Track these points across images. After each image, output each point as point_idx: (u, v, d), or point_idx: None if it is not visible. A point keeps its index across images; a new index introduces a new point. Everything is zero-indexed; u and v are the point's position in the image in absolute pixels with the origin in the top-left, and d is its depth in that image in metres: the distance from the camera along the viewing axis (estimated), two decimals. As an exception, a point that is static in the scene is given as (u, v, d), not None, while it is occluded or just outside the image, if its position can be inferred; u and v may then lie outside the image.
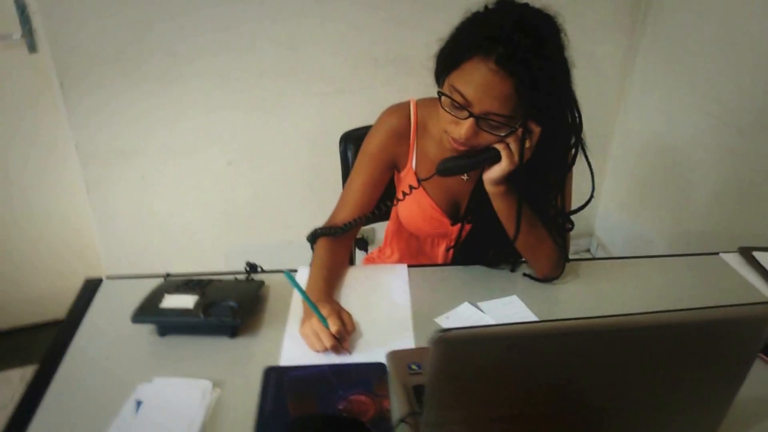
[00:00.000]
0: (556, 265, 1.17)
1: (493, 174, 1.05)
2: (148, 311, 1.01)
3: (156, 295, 1.05)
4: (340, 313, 1.03)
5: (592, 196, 1.10)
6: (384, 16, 1.98)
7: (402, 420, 0.83)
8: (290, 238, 2.16)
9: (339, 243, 1.20)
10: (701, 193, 2.12)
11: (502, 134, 1.00)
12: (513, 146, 1.00)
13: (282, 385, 0.93)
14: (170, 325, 1.02)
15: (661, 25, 2.23)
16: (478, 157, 1.04)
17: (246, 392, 0.92)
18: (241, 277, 1.17)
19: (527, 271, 1.22)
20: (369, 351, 1.01)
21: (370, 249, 1.55)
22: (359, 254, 1.60)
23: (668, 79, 2.22)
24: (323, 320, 0.99)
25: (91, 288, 1.16)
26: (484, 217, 1.15)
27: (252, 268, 1.20)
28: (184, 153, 2.01)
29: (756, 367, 0.98)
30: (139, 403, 0.89)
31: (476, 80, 0.94)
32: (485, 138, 1.01)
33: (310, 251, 1.20)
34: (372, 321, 1.09)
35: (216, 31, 1.85)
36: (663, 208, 2.35)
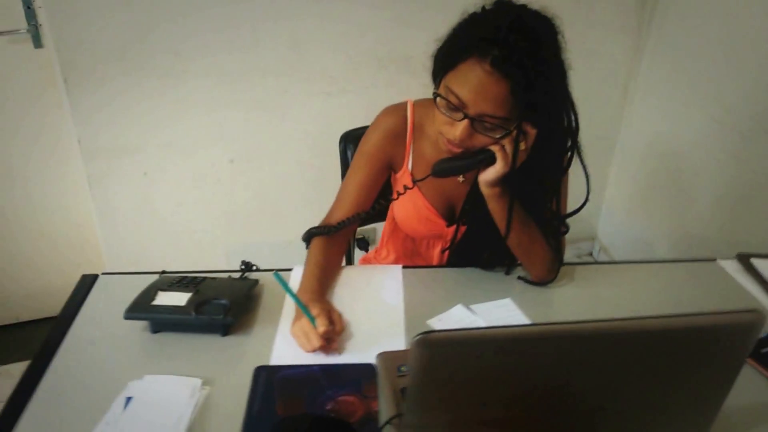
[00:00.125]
0: (550, 268, 1.16)
1: (488, 176, 1.04)
2: (141, 308, 1.01)
3: (149, 292, 1.05)
4: (330, 314, 1.03)
5: (587, 200, 1.10)
6: (387, 16, 1.98)
7: (388, 422, 0.83)
8: (291, 237, 2.15)
9: (333, 242, 1.20)
10: (704, 197, 2.11)
11: (497, 136, 0.99)
12: (508, 148, 1.00)
13: (271, 385, 0.94)
14: (162, 322, 1.02)
15: (667, 29, 2.22)
16: (473, 158, 1.04)
17: (236, 391, 0.93)
18: (236, 275, 1.18)
19: (522, 274, 1.21)
20: (360, 351, 1.01)
21: (371, 249, 1.55)
22: (359, 254, 1.60)
23: (673, 82, 2.21)
24: (312, 320, 0.99)
25: (87, 284, 1.17)
26: (480, 219, 1.15)
27: (247, 266, 1.20)
28: (186, 151, 2.01)
29: (747, 375, 0.99)
30: (128, 400, 0.90)
31: (471, 81, 0.94)
32: (480, 140, 1.01)
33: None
34: (364, 321, 1.09)
35: (218, 30, 1.86)
36: (666, 212, 2.34)
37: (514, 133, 0.99)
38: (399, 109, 1.19)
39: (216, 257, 2.22)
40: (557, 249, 1.16)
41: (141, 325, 1.04)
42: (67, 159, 1.99)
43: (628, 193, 2.58)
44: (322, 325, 0.97)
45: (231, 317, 1.01)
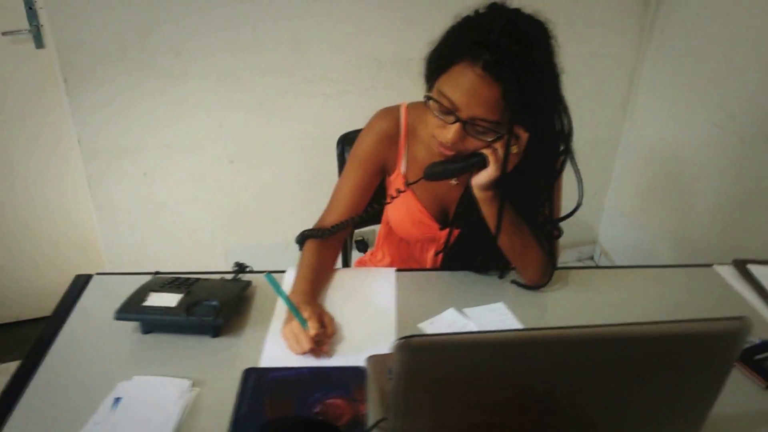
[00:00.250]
0: (543, 272, 1.16)
1: (480, 179, 1.04)
2: (132, 309, 1.02)
3: (141, 293, 1.05)
4: (321, 316, 1.03)
5: (579, 204, 1.09)
6: (388, 18, 1.98)
7: (374, 426, 0.83)
8: (290, 238, 2.14)
9: (326, 245, 1.20)
10: (706, 202, 2.10)
11: (489, 139, 0.99)
12: (500, 152, 1.00)
13: (260, 387, 0.94)
14: (153, 323, 1.02)
15: (669, 33, 2.21)
16: (466, 162, 1.04)
17: (225, 392, 0.93)
18: (229, 276, 1.18)
19: (516, 278, 1.21)
20: (350, 354, 1.01)
21: (370, 251, 1.55)
22: (356, 255, 1.60)
23: (675, 87, 2.20)
24: (303, 323, 0.99)
25: (80, 284, 1.18)
26: (473, 222, 1.14)
27: (240, 268, 1.20)
28: (186, 151, 2.02)
29: (740, 383, 0.99)
30: (117, 400, 0.90)
31: (463, 85, 0.94)
32: (472, 143, 1.01)
33: None
34: (355, 324, 1.08)
35: (218, 31, 1.86)
36: (667, 216, 2.33)
37: (506, 136, 0.99)
38: (392, 111, 1.19)
39: (215, 258, 2.22)
40: (550, 253, 1.15)
41: (132, 325, 1.05)
42: (67, 159, 2.00)
43: (630, 198, 2.57)
44: (313, 328, 0.97)
45: (221, 319, 1.01)
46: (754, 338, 1.08)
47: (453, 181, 1.19)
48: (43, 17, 1.75)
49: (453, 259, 1.26)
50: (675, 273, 1.31)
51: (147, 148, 1.98)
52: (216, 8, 1.83)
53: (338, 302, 1.14)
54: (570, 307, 1.17)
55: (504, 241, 1.13)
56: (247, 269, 1.21)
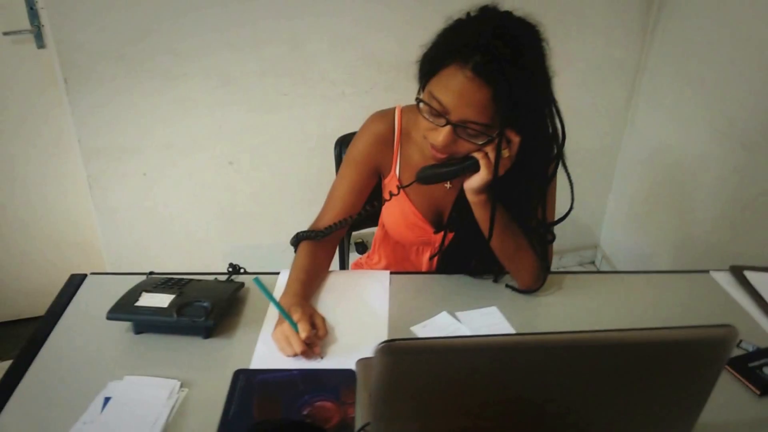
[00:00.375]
0: (536, 276, 1.16)
1: (472, 183, 1.04)
2: (123, 309, 1.02)
3: (133, 293, 1.06)
4: (313, 318, 1.03)
5: (571, 208, 1.09)
6: (389, 20, 1.98)
7: (359, 430, 0.83)
8: (289, 239, 2.17)
9: (321, 247, 1.20)
10: (707, 208, 2.09)
11: (481, 143, 0.99)
12: (491, 155, 0.99)
13: (249, 388, 0.94)
14: (144, 323, 1.03)
15: (670, 39, 2.20)
16: (458, 165, 1.04)
17: (214, 393, 0.93)
18: (223, 278, 1.18)
19: (510, 282, 1.21)
20: (341, 357, 1.01)
21: (367, 254, 1.55)
22: (355, 257, 1.60)
23: (676, 92, 2.19)
24: (294, 325, 0.99)
25: (75, 283, 1.18)
26: (467, 226, 1.14)
27: (234, 269, 1.20)
28: (185, 151, 2.02)
29: (734, 390, 0.98)
30: (107, 400, 0.90)
31: (453, 87, 0.93)
32: (464, 146, 1.00)
33: None
34: (347, 327, 1.08)
35: (219, 32, 1.87)
36: (668, 221, 2.32)
37: (497, 140, 0.98)
38: (387, 114, 1.19)
39: (214, 258, 2.22)
40: (543, 257, 1.15)
41: (124, 325, 1.05)
42: (67, 159, 2.00)
43: (631, 202, 2.56)
44: (303, 331, 0.97)
45: (212, 320, 1.01)
46: (748, 345, 1.08)
47: (447, 185, 1.18)
48: (44, 17, 1.76)
49: (448, 263, 1.26)
50: (671, 279, 1.30)
51: (147, 148, 1.98)
52: (216, 9, 1.84)
53: (331, 304, 1.14)
54: (564, 311, 1.16)
55: (497, 245, 1.12)
56: (241, 270, 1.21)
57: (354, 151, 1.20)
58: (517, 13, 0.97)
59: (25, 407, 0.90)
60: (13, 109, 1.91)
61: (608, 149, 2.55)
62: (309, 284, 1.13)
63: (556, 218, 1.16)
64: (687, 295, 1.24)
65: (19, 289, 2.17)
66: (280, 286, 1.16)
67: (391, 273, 1.24)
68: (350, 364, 0.98)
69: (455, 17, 0.98)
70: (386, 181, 1.22)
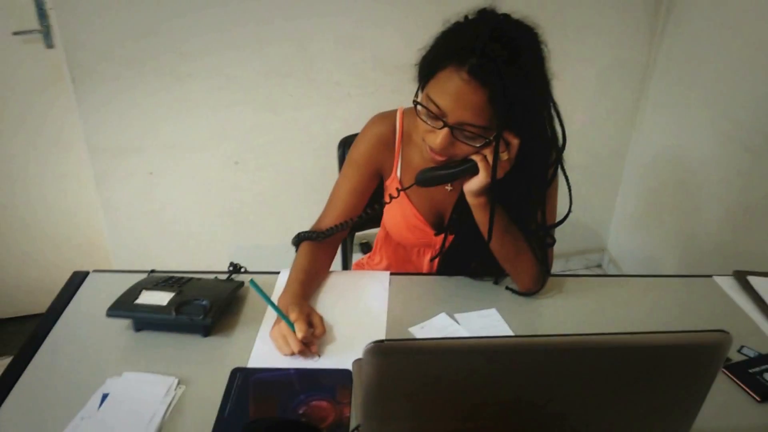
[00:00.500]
0: (536, 279, 1.15)
1: (472, 186, 1.04)
2: (123, 306, 1.03)
3: (134, 291, 1.06)
4: (311, 317, 1.03)
5: (569, 212, 1.09)
6: (394, 22, 1.99)
7: (354, 429, 0.83)
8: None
9: (321, 248, 1.20)
10: (713, 212, 2.07)
11: (478, 145, 0.99)
12: (490, 158, 0.99)
13: (246, 387, 0.94)
14: (143, 320, 1.03)
15: (678, 43, 2.19)
16: (457, 168, 1.04)
17: (212, 391, 0.93)
18: (224, 277, 1.19)
19: (510, 285, 1.20)
20: (339, 357, 1.01)
21: (368, 255, 1.55)
22: (358, 258, 1.60)
23: (684, 96, 2.18)
24: (291, 325, 0.99)
25: (77, 281, 1.19)
26: (467, 228, 1.14)
27: (234, 268, 1.21)
28: (191, 150, 2.03)
29: (734, 396, 0.97)
30: (105, 396, 0.91)
31: (450, 90, 0.93)
32: (462, 149, 1.00)
33: None
34: (346, 327, 1.09)
35: (223, 31, 1.88)
36: (676, 225, 2.31)
37: (495, 142, 0.98)
38: (388, 116, 1.19)
39: (219, 257, 2.23)
40: (543, 260, 1.14)
41: (125, 323, 1.06)
42: (74, 157, 2.02)
43: (638, 206, 2.55)
44: (300, 330, 0.98)
45: (210, 318, 1.01)
46: (750, 351, 1.07)
47: (448, 187, 1.18)
48: (53, 18, 1.78)
49: (448, 265, 1.25)
50: (673, 283, 1.29)
51: (153, 147, 2.00)
52: (221, 9, 1.85)
53: (331, 304, 1.14)
54: (564, 314, 1.16)
55: (497, 248, 1.12)
56: (242, 270, 1.21)
57: (355, 152, 1.20)
58: (518, 15, 0.97)
59: (24, 403, 0.91)
60: (22, 108, 1.93)
61: (616, 152, 2.54)
62: (308, 284, 1.13)
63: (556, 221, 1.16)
64: (689, 299, 1.23)
65: (25, 286, 2.19)
66: (279, 285, 1.17)
67: (392, 274, 1.24)
68: (347, 364, 0.98)
69: (453, 20, 0.98)
70: (388, 182, 1.22)
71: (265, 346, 1.03)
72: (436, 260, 1.27)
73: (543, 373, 0.67)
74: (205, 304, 1.03)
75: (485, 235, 1.09)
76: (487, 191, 1.04)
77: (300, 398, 0.92)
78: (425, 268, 1.32)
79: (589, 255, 2.81)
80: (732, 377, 1.01)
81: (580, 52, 2.25)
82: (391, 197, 1.13)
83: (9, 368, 0.97)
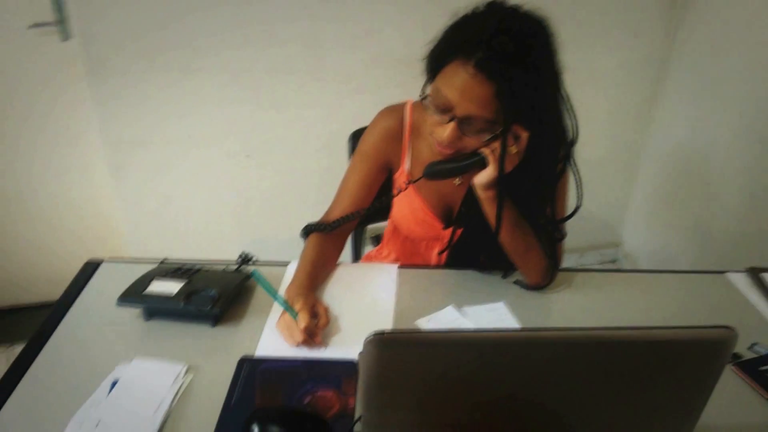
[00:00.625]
0: (545, 273, 1.15)
1: (480, 179, 1.04)
2: (134, 295, 1.04)
3: (144, 280, 1.08)
4: (316, 308, 1.04)
5: (579, 206, 1.08)
6: (403, 16, 1.98)
7: (356, 421, 0.84)
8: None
9: (329, 240, 1.21)
10: (729, 207, 2.05)
11: (486, 138, 0.98)
12: (498, 151, 0.99)
13: (253, 376, 0.95)
14: (153, 309, 1.05)
15: (695, 36, 2.16)
16: (465, 161, 1.03)
17: (219, 380, 0.95)
18: (233, 267, 1.20)
19: (519, 279, 1.20)
20: (345, 348, 1.02)
21: (377, 247, 1.56)
22: (367, 251, 1.61)
23: (700, 91, 2.15)
24: (294, 315, 1.00)
25: (90, 270, 1.21)
26: (476, 222, 1.14)
27: (244, 259, 1.22)
28: (203, 144, 2.05)
29: (743, 394, 0.96)
30: (114, 383, 0.93)
31: (457, 83, 0.93)
32: (470, 142, 1.00)
33: None
34: (353, 318, 1.09)
35: (234, 28, 1.88)
36: (691, 220, 2.28)
37: (503, 136, 0.98)
38: (397, 109, 1.19)
39: (231, 248, 2.25)
40: (552, 255, 1.14)
41: (135, 311, 1.07)
42: (89, 149, 2.05)
43: (654, 201, 2.52)
44: (302, 320, 0.98)
45: (218, 308, 1.02)
46: (761, 348, 1.05)
47: (456, 181, 1.18)
48: (69, 11, 1.80)
49: (457, 258, 1.25)
50: (686, 279, 1.28)
51: (166, 139, 2.02)
52: (232, 7, 1.85)
53: (338, 295, 1.15)
54: (572, 309, 1.15)
55: (506, 241, 1.12)
56: (251, 260, 1.22)
57: (364, 145, 1.20)
58: (530, 7, 0.96)
59: (37, 387, 0.93)
60: (38, 100, 1.95)
61: (632, 146, 2.51)
62: (315, 276, 1.13)
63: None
64: (701, 296, 1.21)
65: (42, 275, 2.23)
66: (288, 276, 1.18)
67: (400, 266, 1.24)
68: (353, 355, 0.99)
69: (462, 12, 0.97)
70: (396, 175, 1.22)
71: (273, 336, 1.04)
72: (445, 254, 1.27)
73: (544, 366, 0.66)
74: (214, 294, 1.04)
75: (494, 228, 1.09)
76: (496, 184, 1.04)
77: (306, 388, 0.93)
78: (433, 262, 1.31)
79: (604, 250, 2.78)
80: (742, 375, 1.00)
81: (596, 46, 2.23)
82: (399, 190, 1.13)
83: (22, 354, 0.99)
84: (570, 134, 1.02)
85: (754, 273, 1.25)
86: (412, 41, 1.99)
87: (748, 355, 1.04)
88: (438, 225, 1.23)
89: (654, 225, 2.54)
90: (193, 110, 1.98)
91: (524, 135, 0.98)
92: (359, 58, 2.02)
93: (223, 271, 1.16)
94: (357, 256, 1.60)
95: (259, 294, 1.15)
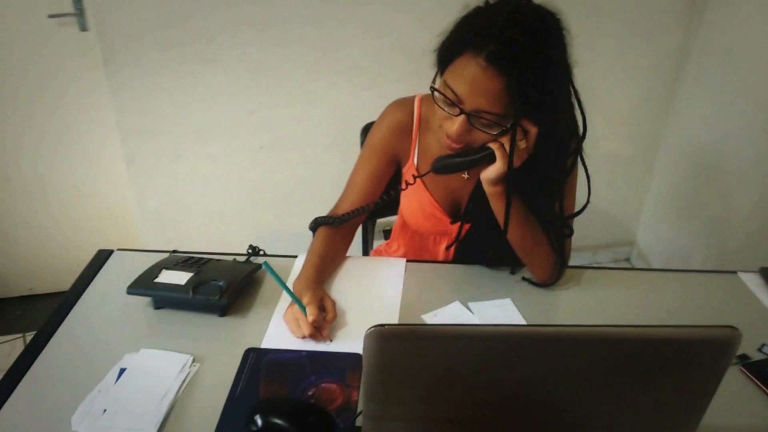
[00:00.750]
0: (552, 270, 1.14)
1: (488, 174, 1.03)
2: (143, 284, 1.05)
3: (154, 270, 1.09)
4: (323, 301, 1.04)
5: (587, 203, 1.07)
6: (421, 7, 1.97)
7: (358, 414, 0.84)
8: (314, 225, 2.19)
9: (338, 233, 1.21)
10: (746, 207, 2.02)
11: (495, 133, 0.98)
12: (507, 146, 0.98)
13: (258, 367, 0.96)
14: (161, 299, 1.06)
15: (715, 34, 2.12)
16: (473, 156, 1.03)
17: (225, 370, 0.95)
18: (242, 258, 1.21)
19: (527, 275, 1.20)
20: (350, 341, 1.03)
21: (386, 242, 1.56)
22: (377, 245, 1.61)
23: (719, 88, 2.12)
24: (303, 308, 1.00)
25: (101, 259, 1.23)
26: (484, 217, 1.13)
27: (253, 250, 1.23)
28: (218, 135, 2.06)
29: (751, 396, 0.95)
30: (122, 371, 0.94)
31: (466, 76, 0.92)
32: (479, 136, 1.00)
33: None
34: (359, 312, 1.10)
35: (250, 18, 1.88)
36: (707, 219, 2.25)
37: (512, 130, 0.97)
38: (406, 102, 1.18)
39: (242, 239, 2.26)
40: (560, 251, 1.13)
41: (145, 301, 1.09)
42: (106, 138, 2.07)
43: (670, 200, 2.49)
44: (311, 314, 0.99)
45: (226, 299, 1.03)
46: (770, 350, 1.04)
47: (464, 175, 1.18)
48: (87, 1, 1.82)
49: (464, 253, 1.25)
50: (697, 278, 1.27)
51: (182, 130, 2.03)
52: (246, 0, 1.86)
53: (345, 289, 1.15)
54: (579, 307, 1.15)
55: (514, 237, 1.11)
56: (260, 252, 1.23)
57: (373, 139, 1.20)
58: (542, 1, 0.95)
59: (46, 374, 0.95)
60: (57, 89, 1.98)
61: (649, 145, 2.48)
62: (323, 269, 1.14)
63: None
64: (711, 296, 1.20)
65: (59, 264, 2.27)
66: (296, 269, 1.18)
67: (408, 261, 1.24)
68: (358, 348, 0.99)
69: (473, 5, 0.96)
70: (405, 169, 1.22)
71: (279, 328, 1.04)
72: (452, 248, 1.27)
73: (546, 363, 0.66)
74: (222, 285, 1.05)
75: (502, 224, 1.09)
76: (504, 180, 1.03)
77: (310, 380, 0.94)
78: (441, 257, 1.31)
79: (617, 248, 2.76)
80: (750, 376, 0.99)
81: (615, 41, 2.20)
82: (407, 184, 1.13)
83: (33, 341, 1.01)
84: (580, 130, 1.02)
85: (767, 273, 1.23)
86: (424, 34, 1.98)
87: (757, 356, 1.03)
88: (446, 219, 1.22)
89: (669, 224, 2.51)
90: (208, 101, 2.00)
91: (533, 130, 0.97)
92: (376, 50, 2.02)
93: (232, 262, 1.17)
94: (367, 250, 1.61)
95: (267, 286, 1.16)
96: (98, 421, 0.85)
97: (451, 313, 1.10)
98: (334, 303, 1.06)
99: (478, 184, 1.10)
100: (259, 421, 0.80)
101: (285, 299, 1.11)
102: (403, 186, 1.14)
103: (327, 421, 0.83)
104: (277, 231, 2.27)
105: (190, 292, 1.03)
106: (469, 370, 0.66)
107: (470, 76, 0.92)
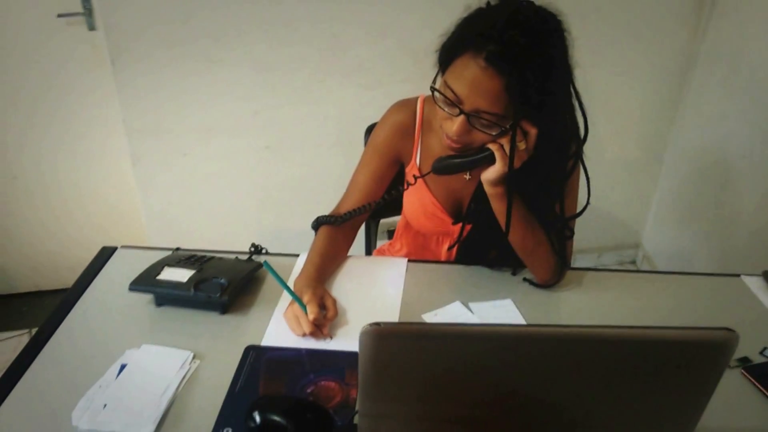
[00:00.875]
0: (553, 271, 1.14)
1: (489, 175, 1.03)
2: (145, 281, 1.06)
3: (156, 267, 1.10)
4: (324, 299, 1.04)
5: (587, 204, 1.07)
6: (426, 8, 1.97)
7: (356, 413, 0.84)
8: (318, 225, 2.20)
9: (339, 232, 1.21)
10: (752, 210, 2.01)
11: (495, 133, 0.98)
12: (506, 147, 0.98)
13: (258, 364, 0.97)
14: (163, 296, 1.07)
15: (722, 37, 2.11)
16: (473, 156, 1.03)
17: (225, 367, 0.96)
18: (244, 257, 1.22)
19: (528, 276, 1.20)
20: (350, 339, 1.03)
21: (389, 242, 1.56)
22: (380, 245, 1.61)
23: (726, 92, 2.11)
24: (303, 307, 1.01)
25: (105, 256, 1.24)
26: (485, 218, 1.13)
27: (256, 249, 1.24)
28: (224, 135, 2.07)
29: (753, 400, 0.94)
30: (123, 367, 0.95)
31: (466, 77, 0.93)
32: (479, 137, 1.00)
33: None
34: (360, 311, 1.10)
35: (256, 15, 1.89)
36: (713, 223, 2.24)
37: (512, 131, 0.97)
38: (409, 103, 1.19)
39: (246, 238, 2.27)
40: (561, 253, 1.13)
41: (147, 298, 1.09)
42: (112, 137, 2.09)
43: (676, 202, 2.48)
44: (311, 312, 0.99)
45: (227, 296, 1.04)
46: (772, 354, 1.04)
47: (466, 176, 1.18)
48: (95, 0, 1.83)
49: (466, 254, 1.25)
50: (699, 281, 1.26)
51: (187, 129, 2.04)
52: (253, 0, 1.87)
53: (346, 288, 1.16)
54: (580, 308, 1.15)
55: (515, 238, 1.11)
56: (262, 251, 1.24)
57: (375, 139, 1.20)
58: (543, 2, 0.96)
59: (48, 369, 0.96)
60: (65, 88, 2.00)
61: (655, 148, 2.47)
62: (324, 268, 1.14)
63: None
64: (713, 298, 1.20)
65: (65, 261, 2.29)
66: (298, 268, 1.19)
67: (409, 261, 1.25)
68: (358, 347, 0.99)
69: (475, 6, 0.97)
70: (407, 170, 1.22)
71: (279, 326, 1.05)
72: (455, 249, 1.27)
73: (544, 363, 0.66)
74: (223, 283, 1.06)
75: (502, 225, 1.09)
76: (504, 181, 1.03)
77: (309, 378, 0.94)
78: (444, 257, 1.32)
79: (623, 251, 2.75)
80: (751, 379, 0.98)
81: (621, 43, 2.20)
82: (408, 184, 1.14)
83: (36, 335, 1.02)
84: (580, 131, 1.01)
85: (770, 277, 1.23)
86: (429, 35, 1.99)
87: (759, 359, 1.03)
88: (447, 219, 1.23)
89: (675, 227, 2.50)
90: (213, 101, 2.01)
91: (533, 131, 0.97)
92: (381, 50, 2.02)
93: (234, 260, 1.17)
94: (370, 250, 1.61)
95: (268, 284, 1.17)
96: (98, 416, 0.86)
97: (452, 313, 1.10)
98: (334, 301, 1.07)
99: (480, 184, 1.10)
100: (258, 418, 0.81)
101: (286, 298, 1.11)
102: (405, 186, 1.14)
103: (325, 419, 0.84)
104: (280, 230, 2.28)
105: (192, 290, 1.04)
106: (465, 369, 0.66)
107: (470, 77, 0.92)
